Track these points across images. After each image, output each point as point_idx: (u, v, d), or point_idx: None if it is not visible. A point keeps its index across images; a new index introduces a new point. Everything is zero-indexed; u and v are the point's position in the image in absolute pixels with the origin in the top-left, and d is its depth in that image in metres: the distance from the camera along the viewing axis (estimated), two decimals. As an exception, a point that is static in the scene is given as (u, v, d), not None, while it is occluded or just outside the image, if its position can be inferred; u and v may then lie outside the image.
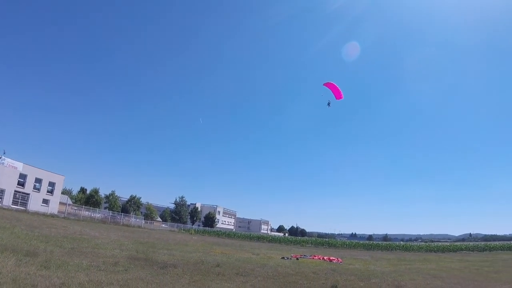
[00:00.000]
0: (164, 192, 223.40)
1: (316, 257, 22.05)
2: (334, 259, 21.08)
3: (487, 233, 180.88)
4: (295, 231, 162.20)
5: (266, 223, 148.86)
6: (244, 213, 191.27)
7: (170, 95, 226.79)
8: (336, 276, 12.44)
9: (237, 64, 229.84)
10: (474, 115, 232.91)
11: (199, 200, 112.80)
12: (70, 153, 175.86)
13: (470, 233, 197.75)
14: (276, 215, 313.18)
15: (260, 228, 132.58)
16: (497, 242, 75.98)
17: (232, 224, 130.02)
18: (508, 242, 69.49)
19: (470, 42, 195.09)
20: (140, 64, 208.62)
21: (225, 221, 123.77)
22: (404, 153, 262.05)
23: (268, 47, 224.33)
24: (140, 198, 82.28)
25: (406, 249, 49.48)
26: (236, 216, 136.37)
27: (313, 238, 73.60)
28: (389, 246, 51.95)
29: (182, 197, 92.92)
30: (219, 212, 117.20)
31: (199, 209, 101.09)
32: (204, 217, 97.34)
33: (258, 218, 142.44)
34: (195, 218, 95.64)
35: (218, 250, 21.35)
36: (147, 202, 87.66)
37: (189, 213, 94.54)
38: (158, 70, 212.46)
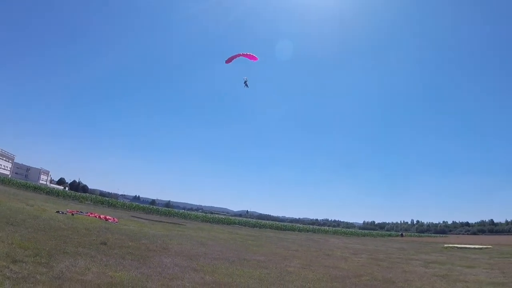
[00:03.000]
0: None
1: (92, 215, 22.62)
2: (110, 219, 22.02)
3: (262, 213, 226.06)
4: (76, 186, 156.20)
5: (47, 173, 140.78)
6: (24, 159, 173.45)
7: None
8: (108, 234, 13.47)
9: None
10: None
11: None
12: None
13: (247, 210, 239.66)
14: (58, 166, 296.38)
15: (39, 178, 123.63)
16: (267, 221, 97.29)
17: (9, 169, 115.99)
18: (277, 222, 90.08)
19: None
20: None
21: (0, 165, 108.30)
22: (196, 129, 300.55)
23: None
24: None
25: (184, 216, 54.29)
26: (14, 161, 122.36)
27: (94, 196, 73.08)
28: (169, 212, 56.70)
29: (-51, 130, 72.20)
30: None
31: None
32: (-26, 158, 78.67)
33: (39, 167, 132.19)
34: (-37, 158, 75.69)
35: (-14, 197, 19.22)
36: None
37: (-43, 151, 74.12)
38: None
